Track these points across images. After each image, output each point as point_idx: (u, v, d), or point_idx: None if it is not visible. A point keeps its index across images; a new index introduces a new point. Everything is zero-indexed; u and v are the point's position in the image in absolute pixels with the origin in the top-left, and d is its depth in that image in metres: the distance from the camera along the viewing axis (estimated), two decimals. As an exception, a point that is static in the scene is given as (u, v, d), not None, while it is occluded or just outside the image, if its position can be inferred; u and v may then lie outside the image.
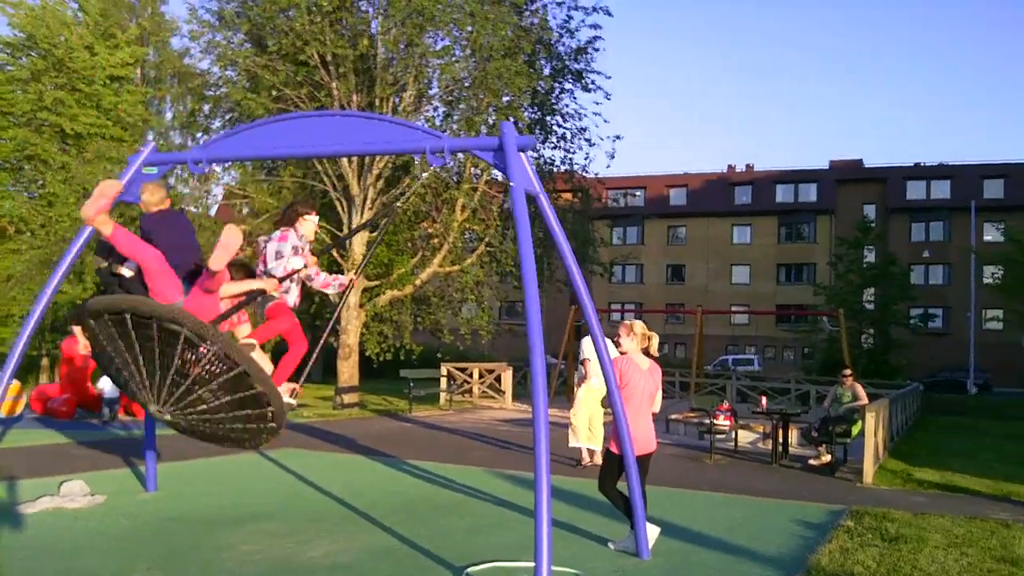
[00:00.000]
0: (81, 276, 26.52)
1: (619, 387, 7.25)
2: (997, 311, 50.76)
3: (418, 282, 23.36)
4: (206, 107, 25.27)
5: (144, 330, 5.96)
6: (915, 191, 59.74)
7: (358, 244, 22.63)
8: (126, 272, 6.74)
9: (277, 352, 7.94)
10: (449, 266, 23.44)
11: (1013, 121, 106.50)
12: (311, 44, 20.43)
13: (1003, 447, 17.72)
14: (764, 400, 15.64)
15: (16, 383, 15.62)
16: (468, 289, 23.76)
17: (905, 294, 40.37)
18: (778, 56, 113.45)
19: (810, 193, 62.02)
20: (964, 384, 45.86)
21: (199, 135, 26.60)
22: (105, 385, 16.48)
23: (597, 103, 53.42)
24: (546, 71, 24.05)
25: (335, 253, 23.46)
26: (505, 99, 21.87)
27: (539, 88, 23.17)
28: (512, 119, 21.10)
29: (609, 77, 32.03)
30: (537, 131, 23.66)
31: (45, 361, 30.28)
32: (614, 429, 7.30)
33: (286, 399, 6.95)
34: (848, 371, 14.24)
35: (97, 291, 6.83)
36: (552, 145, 24.61)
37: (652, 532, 7.36)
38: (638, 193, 64.65)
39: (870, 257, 43.09)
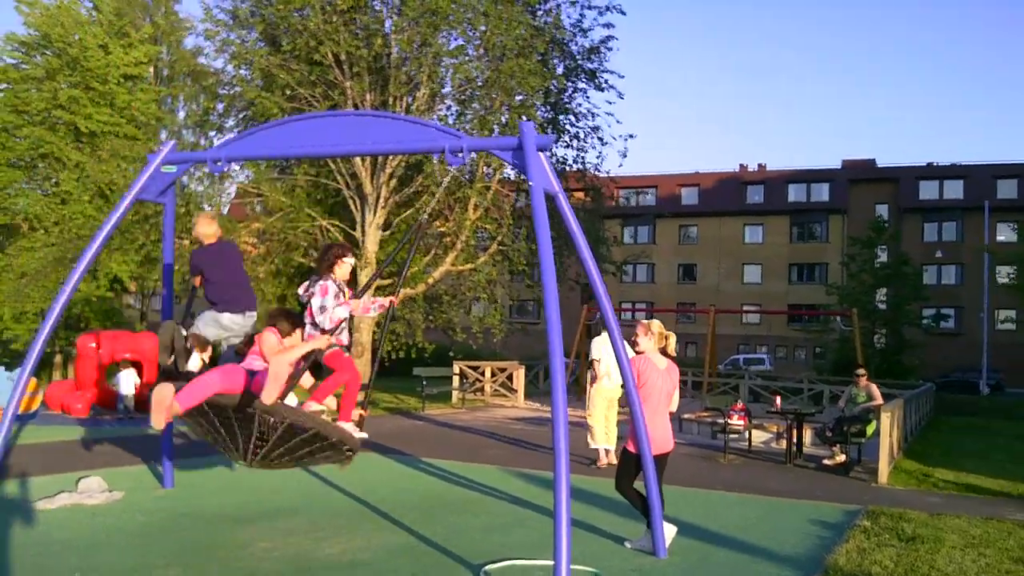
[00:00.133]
0: (95, 274, 26.67)
1: (637, 386, 7.25)
2: (1010, 311, 50.41)
3: (431, 280, 23.39)
4: (220, 106, 25.35)
5: (226, 412, 6.73)
6: (928, 191, 59.43)
7: (371, 243, 22.67)
8: (192, 368, 7.29)
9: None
10: (462, 265, 23.47)
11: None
12: (325, 43, 20.48)
13: (1016, 447, 17.64)
14: (778, 400, 15.60)
15: (32, 380, 15.70)
16: (480, 288, 23.78)
17: (918, 294, 40.19)
18: (791, 55, 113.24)
19: (822, 193, 61.77)
20: (976, 385, 45.63)
21: (212, 133, 26.70)
22: (120, 382, 16.56)
23: (610, 103, 53.75)
24: (559, 70, 24.04)
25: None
26: (518, 98, 21.89)
27: (552, 87, 23.17)
28: (525, 118, 21.13)
29: (622, 76, 32.02)
30: (550, 130, 23.65)
31: (58, 358, 30.44)
32: (632, 428, 7.30)
33: (356, 434, 7.46)
34: (861, 371, 14.19)
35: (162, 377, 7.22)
36: (564, 144, 24.61)
37: (669, 531, 7.36)
38: (650, 192, 64.56)
39: (883, 257, 42.89)
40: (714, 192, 63.32)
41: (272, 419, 6.59)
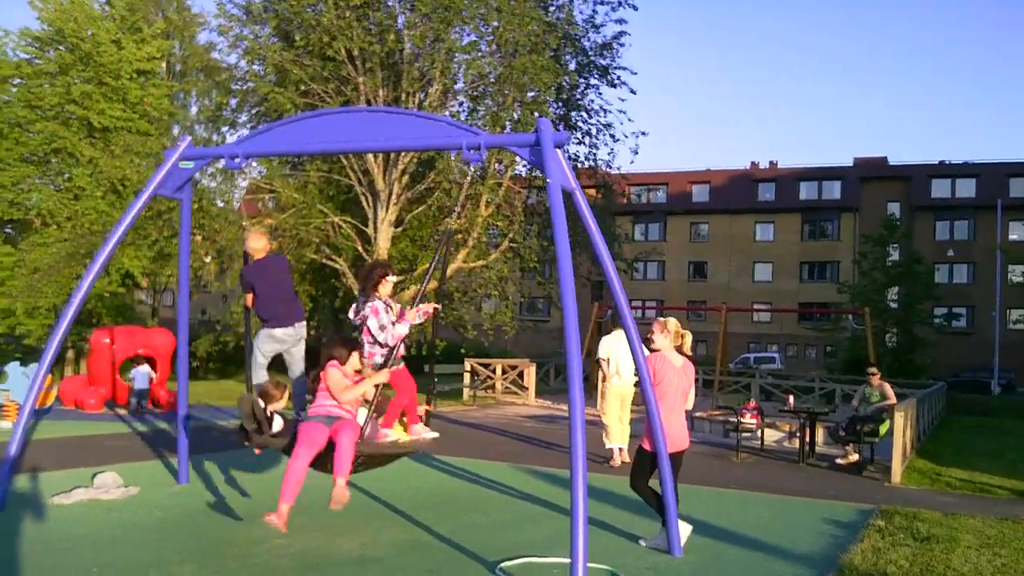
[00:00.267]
0: (107, 270, 26.76)
1: (653, 384, 7.24)
2: (1022, 311, 50.28)
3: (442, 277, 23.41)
4: (232, 101, 25.41)
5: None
6: (940, 189, 59.18)
7: (383, 240, 22.70)
8: (276, 430, 7.53)
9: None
10: (473, 262, 23.48)
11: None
12: (338, 39, 20.51)
13: (1030, 448, 17.59)
14: (791, 399, 15.56)
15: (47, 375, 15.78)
16: (491, 285, 23.78)
17: (930, 293, 40.04)
18: (803, 53, 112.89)
19: (834, 190, 61.59)
20: (987, 384, 45.45)
21: (225, 129, 26.76)
22: (136, 378, 16.62)
23: (622, 99, 53.77)
24: (571, 66, 24.02)
25: (360, 248, 23.55)
26: (530, 95, 21.89)
27: (564, 84, 23.16)
28: (538, 115, 21.13)
29: (635, 73, 31.91)
30: (561, 127, 23.65)
31: (70, 354, 30.58)
32: (647, 426, 7.30)
33: (427, 435, 8.20)
34: (873, 369, 14.16)
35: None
36: (576, 141, 24.59)
37: (684, 530, 7.35)
38: (661, 189, 64.47)
39: (894, 255, 42.73)
40: (725, 190, 63.20)
41: (358, 458, 7.22)
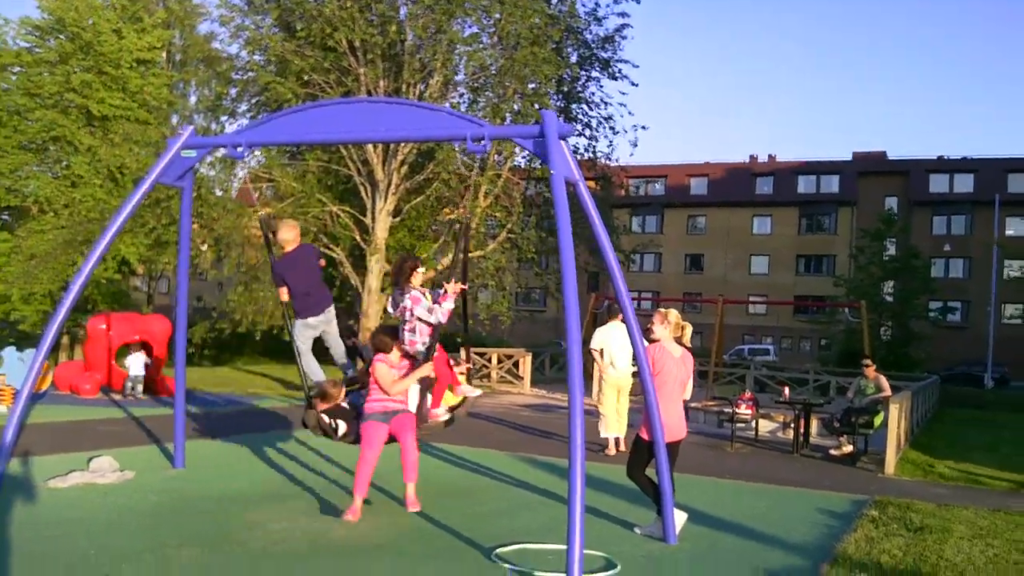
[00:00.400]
0: (104, 257, 26.75)
1: (652, 374, 7.27)
2: (1017, 306, 50.46)
3: (440, 267, 23.44)
4: (233, 91, 25.37)
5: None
6: (938, 184, 59.22)
7: (381, 230, 22.71)
8: (341, 431, 8.17)
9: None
10: (471, 252, 23.49)
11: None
12: (340, 30, 20.48)
13: (1021, 441, 17.64)
14: (787, 390, 15.62)
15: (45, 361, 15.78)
16: (489, 275, 23.80)
17: (926, 287, 40.13)
18: (803, 47, 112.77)
19: (832, 184, 61.63)
20: (981, 378, 45.58)
21: (224, 119, 26.74)
22: (131, 364, 16.63)
23: (623, 93, 53.86)
24: (573, 59, 24.01)
25: (358, 237, 23.55)
26: (531, 86, 21.87)
27: (565, 76, 23.15)
28: (538, 106, 21.13)
29: (636, 66, 31.92)
30: (561, 119, 23.66)
31: (65, 339, 30.55)
32: (646, 416, 7.33)
33: (472, 393, 9.06)
34: (867, 361, 14.22)
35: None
36: (576, 133, 24.60)
37: (679, 518, 7.39)
38: (659, 182, 64.46)
39: (891, 250, 42.79)
40: (723, 183, 63.23)
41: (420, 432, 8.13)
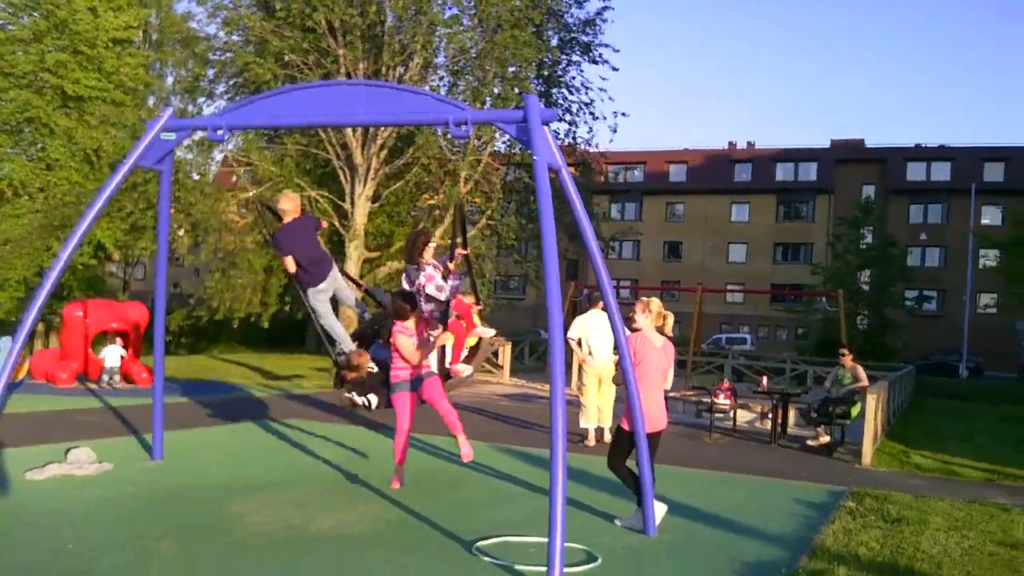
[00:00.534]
0: (89, 243, 26.49)
1: (633, 364, 7.27)
2: (992, 295, 50.84)
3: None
4: (210, 72, 25.12)
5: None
6: (915, 172, 59.61)
7: (360, 215, 22.60)
8: (374, 405, 8.70)
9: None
10: (449, 238, 23.43)
11: (1015, 104, 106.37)
12: (319, 10, 20.28)
13: (997, 430, 17.86)
14: (765, 380, 15.69)
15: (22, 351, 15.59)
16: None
17: (902, 276, 40.41)
18: (782, 33, 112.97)
19: (810, 172, 61.89)
20: (956, 367, 46.02)
21: (201, 100, 26.48)
22: (107, 355, 16.46)
23: (604, 78, 53.67)
24: (553, 42, 23.92)
25: (337, 224, 23.42)
26: (511, 70, 21.78)
27: (546, 60, 23.08)
28: (519, 90, 21.05)
29: (617, 50, 31.84)
30: (543, 104, 23.59)
31: (40, 327, 30.21)
32: (627, 406, 7.33)
33: (487, 333, 9.74)
34: (844, 350, 14.32)
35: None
36: (558, 118, 24.55)
37: (659, 510, 7.41)
38: (638, 169, 64.49)
39: (868, 238, 43.05)
40: (702, 170, 63.36)
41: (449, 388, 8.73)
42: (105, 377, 16.30)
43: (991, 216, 54.48)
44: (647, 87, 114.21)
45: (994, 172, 56.79)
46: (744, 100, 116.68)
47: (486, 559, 6.34)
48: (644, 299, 7.59)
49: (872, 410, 12.39)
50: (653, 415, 7.39)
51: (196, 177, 26.64)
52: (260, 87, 20.65)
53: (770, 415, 14.09)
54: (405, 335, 8.16)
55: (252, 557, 6.26)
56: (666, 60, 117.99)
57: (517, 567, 6.12)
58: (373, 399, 8.56)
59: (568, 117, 25.00)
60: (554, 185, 7.06)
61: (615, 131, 29.32)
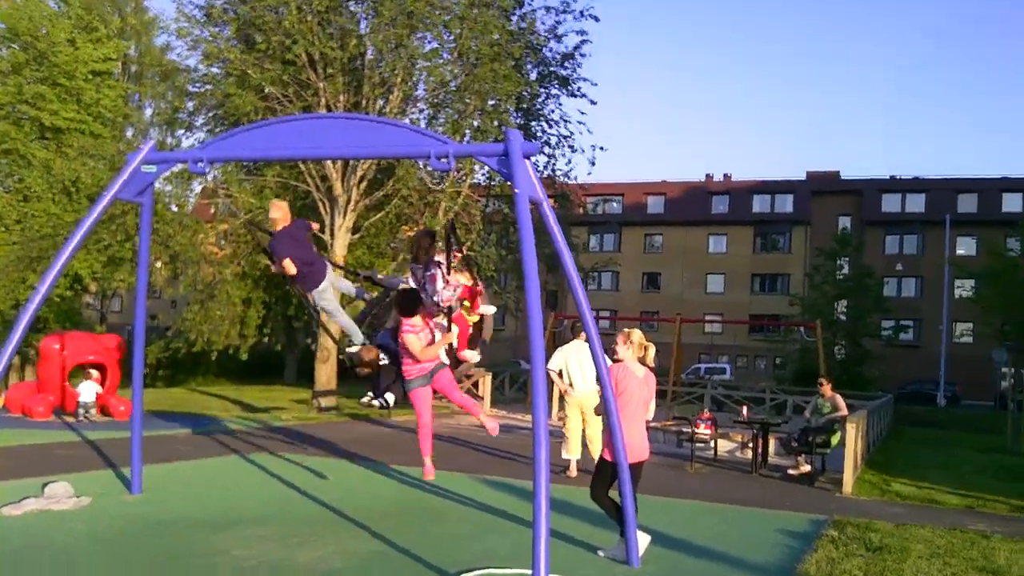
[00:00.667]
0: (66, 275, 26.34)
1: (615, 395, 7.29)
2: (967, 324, 51.37)
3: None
4: (190, 104, 25.12)
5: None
6: (890, 204, 60.36)
7: (339, 247, 22.57)
8: (392, 403, 8.92)
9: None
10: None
11: (987, 136, 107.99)
12: (299, 42, 20.35)
13: (976, 459, 17.97)
14: (745, 410, 15.75)
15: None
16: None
17: (879, 306, 40.76)
18: (758, 67, 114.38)
19: (786, 204, 62.52)
20: (933, 396, 46.33)
21: (180, 132, 26.46)
22: (82, 391, 16.27)
23: (583, 112, 54.07)
24: (532, 76, 24.09)
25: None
26: (491, 103, 21.90)
27: (525, 94, 23.22)
28: (498, 123, 21.16)
29: (595, 84, 32.13)
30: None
31: (16, 359, 29.93)
32: (608, 436, 7.34)
33: (487, 311, 9.38)
34: (822, 380, 14.42)
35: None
36: (537, 151, 24.66)
37: (643, 540, 7.40)
38: (616, 200, 64.87)
39: (845, 269, 43.41)
40: (680, 202, 63.86)
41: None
42: (81, 411, 16.12)
43: (966, 247, 55.13)
44: (625, 121, 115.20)
45: (967, 203, 57.58)
46: (720, 133, 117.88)
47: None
48: (626, 330, 7.62)
49: (852, 439, 12.46)
50: (635, 445, 7.40)
51: (175, 209, 26.57)
52: (240, 119, 20.64)
53: (751, 444, 14.13)
54: (413, 334, 8.27)
55: (234, 591, 6.19)
56: (643, 94, 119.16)
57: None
58: (390, 398, 8.73)
59: (547, 150, 25.12)
60: (535, 216, 7.10)
61: (593, 164, 29.48)
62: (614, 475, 7.33)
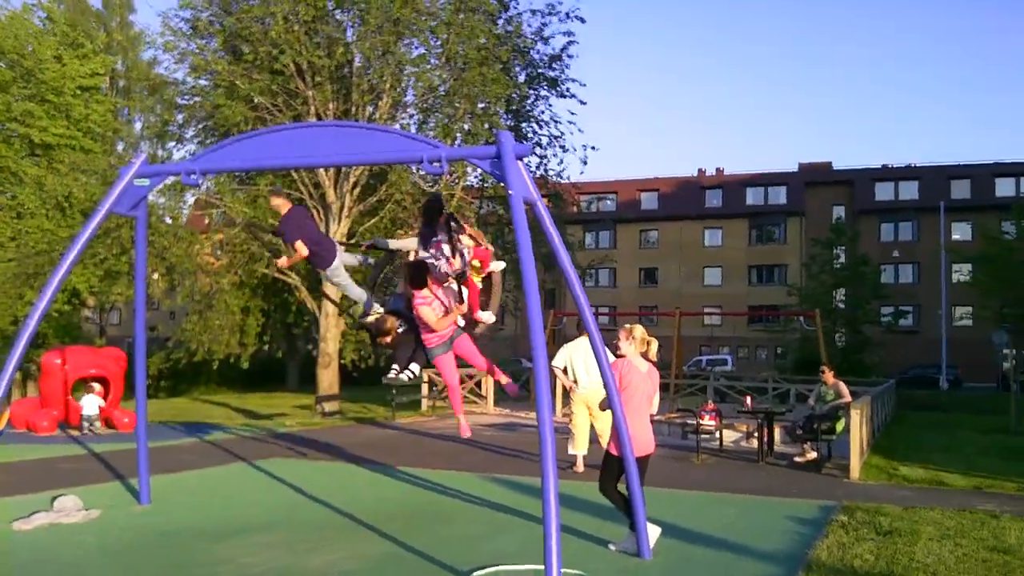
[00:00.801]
0: (64, 290, 26.33)
1: (619, 389, 7.30)
2: (966, 308, 51.49)
3: (397, 289, 23.31)
4: (179, 116, 25.10)
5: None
6: (883, 192, 60.44)
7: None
8: (415, 370, 8.79)
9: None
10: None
11: (979, 123, 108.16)
12: (287, 53, 20.35)
13: (980, 440, 17.98)
14: (749, 400, 15.75)
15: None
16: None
17: (877, 293, 40.83)
18: (746, 61, 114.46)
19: (780, 196, 62.58)
20: (935, 380, 46.39)
21: (171, 145, 26.43)
22: (84, 404, 16.27)
23: (572, 112, 53.80)
24: (521, 78, 24.10)
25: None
26: (480, 106, 21.91)
27: (514, 96, 23.23)
28: (489, 126, 21.17)
29: (584, 84, 32.14)
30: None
31: (18, 375, 29.87)
32: (614, 431, 7.35)
33: (498, 268, 9.41)
34: (824, 368, 14.44)
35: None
36: (529, 152, 24.65)
37: (653, 532, 7.41)
38: (610, 198, 64.89)
39: (842, 258, 43.47)
40: (673, 197, 63.88)
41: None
42: (85, 424, 16.12)
43: (961, 232, 55.24)
44: (615, 118, 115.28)
45: (961, 189, 57.72)
46: (711, 128, 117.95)
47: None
48: (628, 326, 7.64)
49: (857, 425, 12.46)
50: (640, 439, 7.41)
51: (169, 221, 26.55)
52: (230, 130, 20.63)
53: (756, 434, 14.14)
54: (427, 306, 8.28)
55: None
56: (633, 91, 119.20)
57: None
58: (415, 368, 8.71)
59: (539, 150, 25.14)
60: (530, 217, 7.11)
61: (585, 163, 29.47)
62: (621, 468, 7.33)
